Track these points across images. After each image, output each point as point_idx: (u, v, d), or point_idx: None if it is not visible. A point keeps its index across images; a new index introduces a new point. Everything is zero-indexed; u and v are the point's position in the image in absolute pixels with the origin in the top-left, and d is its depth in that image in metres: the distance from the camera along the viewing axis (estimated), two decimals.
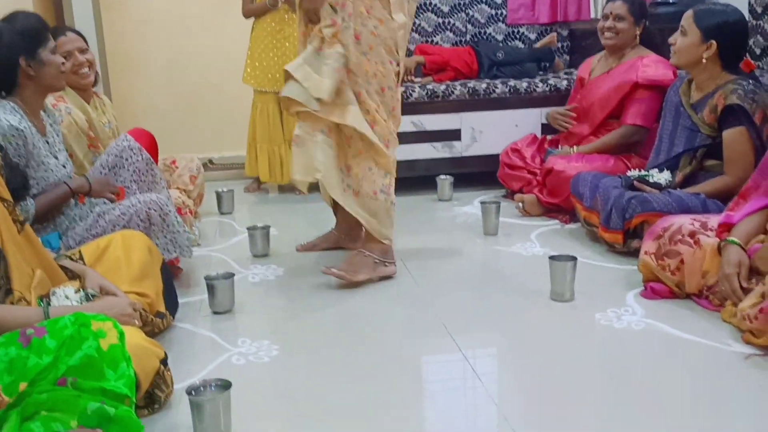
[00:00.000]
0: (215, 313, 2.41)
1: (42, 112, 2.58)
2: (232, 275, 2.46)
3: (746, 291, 2.13)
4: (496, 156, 3.82)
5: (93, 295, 1.82)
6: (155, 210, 2.40)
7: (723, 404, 1.76)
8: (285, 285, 2.70)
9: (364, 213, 2.60)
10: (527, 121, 3.96)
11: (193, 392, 1.67)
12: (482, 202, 3.29)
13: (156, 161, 2.88)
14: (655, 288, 2.40)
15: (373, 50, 2.51)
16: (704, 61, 2.69)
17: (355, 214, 2.59)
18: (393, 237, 2.69)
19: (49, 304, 1.70)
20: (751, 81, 2.64)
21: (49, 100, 2.64)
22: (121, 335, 1.49)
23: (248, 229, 3.04)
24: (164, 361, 1.77)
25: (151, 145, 2.79)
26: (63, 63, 2.42)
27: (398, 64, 2.60)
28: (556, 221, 3.37)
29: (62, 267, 1.89)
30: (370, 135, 2.52)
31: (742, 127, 2.61)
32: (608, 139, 3.43)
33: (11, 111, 2.25)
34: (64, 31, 2.95)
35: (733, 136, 2.64)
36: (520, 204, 3.52)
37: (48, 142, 2.54)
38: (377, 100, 2.56)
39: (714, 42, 2.66)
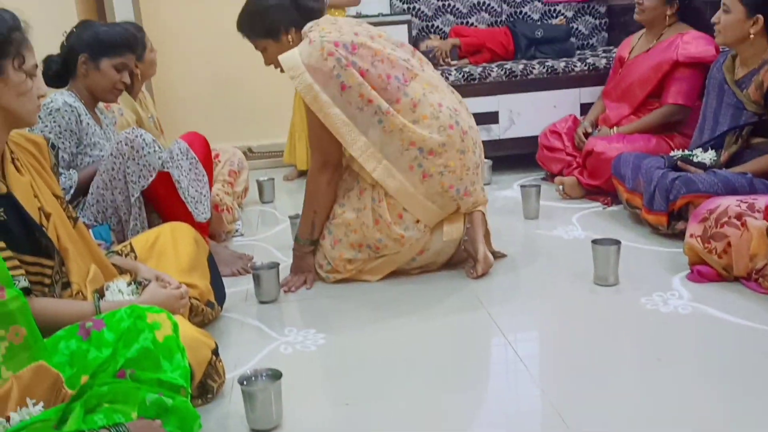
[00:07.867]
0: (261, 302, 2.45)
1: (98, 112, 2.67)
2: (277, 265, 2.49)
3: None
4: (535, 138, 3.79)
5: (140, 284, 1.87)
6: (125, 144, 2.42)
7: None
8: None
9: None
10: (566, 102, 3.92)
11: (245, 382, 1.70)
12: (522, 186, 3.28)
13: (210, 162, 2.96)
14: (702, 271, 2.37)
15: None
16: (752, 36, 2.63)
17: None
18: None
19: (101, 297, 1.75)
20: None
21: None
22: (175, 326, 1.53)
23: (290, 217, 3.06)
24: (215, 351, 1.81)
25: (202, 146, 2.86)
26: (120, 81, 2.56)
27: None
28: (598, 204, 3.34)
29: (113, 264, 1.94)
30: None
31: None
32: (649, 119, 3.37)
33: (68, 95, 2.53)
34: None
35: None
36: (561, 187, 3.49)
37: (104, 131, 2.63)
38: None
39: (760, 16, 2.60)
